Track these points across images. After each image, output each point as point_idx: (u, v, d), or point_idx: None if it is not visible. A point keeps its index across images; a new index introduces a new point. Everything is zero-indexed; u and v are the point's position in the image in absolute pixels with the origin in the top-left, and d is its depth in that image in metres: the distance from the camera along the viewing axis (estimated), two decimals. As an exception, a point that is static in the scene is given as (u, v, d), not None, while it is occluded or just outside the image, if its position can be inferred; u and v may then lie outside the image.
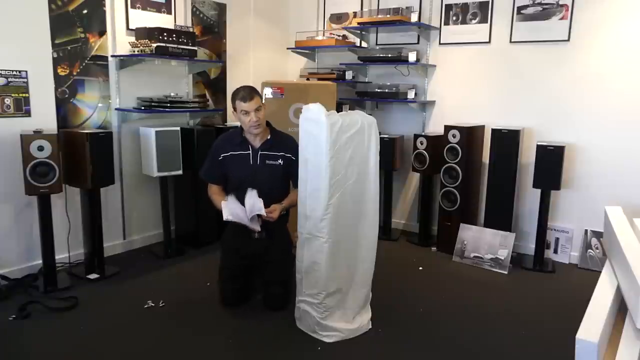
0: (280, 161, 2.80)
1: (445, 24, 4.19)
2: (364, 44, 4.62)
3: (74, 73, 3.37)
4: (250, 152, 2.80)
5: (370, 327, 2.66)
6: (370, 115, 2.60)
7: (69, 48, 3.31)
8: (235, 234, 2.82)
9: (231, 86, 4.49)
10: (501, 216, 3.81)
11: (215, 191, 2.89)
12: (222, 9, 4.36)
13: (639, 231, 2.06)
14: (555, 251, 3.85)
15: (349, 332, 2.55)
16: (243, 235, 2.78)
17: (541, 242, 3.69)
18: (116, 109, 3.63)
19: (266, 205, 2.68)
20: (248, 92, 2.67)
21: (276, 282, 2.85)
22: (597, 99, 3.61)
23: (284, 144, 2.82)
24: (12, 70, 3.05)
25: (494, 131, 3.77)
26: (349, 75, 4.51)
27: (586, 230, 3.72)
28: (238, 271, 2.89)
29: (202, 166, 2.95)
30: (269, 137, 2.83)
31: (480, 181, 4.08)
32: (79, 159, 3.13)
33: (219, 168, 2.85)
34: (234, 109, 2.75)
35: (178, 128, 3.67)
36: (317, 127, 2.37)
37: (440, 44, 4.24)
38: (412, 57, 4.10)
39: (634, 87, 3.46)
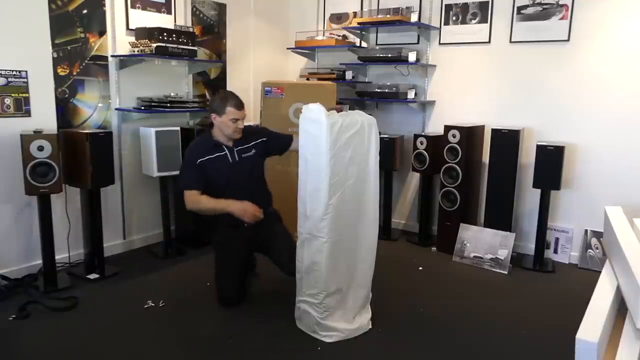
0: (253, 151, 2.92)
1: (445, 24, 4.19)
2: (364, 44, 4.62)
3: (74, 73, 3.37)
4: (227, 152, 2.87)
5: (370, 327, 2.66)
6: (370, 115, 2.60)
7: (69, 48, 3.31)
8: (228, 229, 2.90)
9: (231, 86, 4.50)
10: (501, 216, 3.81)
11: (200, 197, 2.80)
12: (222, 9, 4.36)
13: (639, 231, 2.07)
14: (555, 251, 3.85)
15: (349, 332, 2.55)
16: (235, 227, 2.87)
17: (541, 242, 3.69)
18: (116, 109, 3.63)
19: (252, 199, 2.83)
20: (240, 101, 2.83)
21: (286, 248, 2.81)
22: (597, 99, 3.61)
23: (250, 135, 2.95)
24: (12, 70, 3.05)
25: (494, 131, 3.77)
26: (349, 75, 4.51)
27: (586, 230, 3.72)
28: (235, 269, 2.91)
29: (181, 181, 2.85)
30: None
31: (480, 181, 4.08)
32: (79, 159, 3.13)
33: (199, 174, 2.81)
34: (221, 112, 2.78)
35: (178, 128, 3.67)
36: (317, 127, 2.37)
37: (440, 44, 4.24)
38: (412, 57, 4.10)
39: (634, 87, 3.46)
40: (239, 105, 2.80)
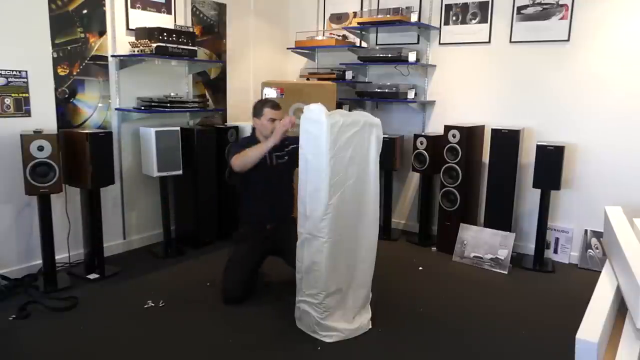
0: (286, 157, 3.06)
1: (445, 24, 4.19)
2: (364, 44, 4.62)
3: (74, 73, 3.37)
4: (266, 154, 2.97)
5: (370, 327, 2.66)
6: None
7: (69, 48, 3.31)
8: (250, 228, 3.10)
9: (231, 86, 4.50)
10: (501, 216, 3.81)
11: (243, 150, 2.90)
12: (222, 9, 4.36)
13: (639, 231, 2.07)
14: (555, 251, 3.85)
15: (349, 332, 2.55)
16: (257, 225, 3.08)
17: (541, 242, 3.69)
18: (116, 109, 3.63)
19: (282, 208, 3.10)
20: (276, 103, 3.06)
21: None
22: (597, 98, 3.61)
23: (287, 142, 3.05)
24: (12, 70, 3.05)
25: (494, 131, 3.77)
26: (349, 75, 4.50)
27: (586, 230, 3.72)
28: (247, 267, 2.99)
29: (232, 154, 2.95)
30: None
31: (480, 181, 4.08)
32: (79, 159, 3.13)
33: None
34: (259, 115, 3.01)
35: (178, 128, 3.67)
36: (317, 127, 2.37)
37: (440, 44, 4.24)
38: (412, 57, 4.10)
39: (634, 87, 3.46)
40: (275, 106, 3.02)
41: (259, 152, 2.85)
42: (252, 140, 3.08)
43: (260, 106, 3.05)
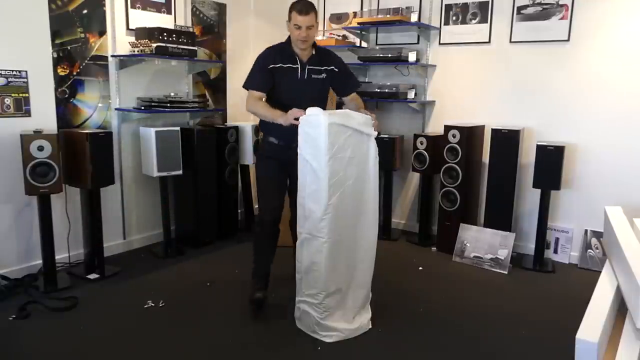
0: (323, 75, 2.81)
1: (445, 24, 4.18)
2: (364, 44, 4.61)
3: (74, 73, 3.37)
4: (299, 66, 2.75)
5: (370, 327, 2.66)
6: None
7: (69, 48, 3.31)
8: (273, 146, 2.84)
9: (231, 86, 4.50)
10: (501, 216, 3.81)
11: (259, 97, 2.75)
12: (222, 9, 4.36)
13: (639, 231, 2.07)
14: (555, 251, 3.85)
15: (349, 332, 2.56)
16: (281, 146, 2.80)
17: (541, 242, 3.69)
18: (116, 109, 3.63)
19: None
20: (305, 6, 2.62)
21: None
22: (597, 98, 3.61)
23: (327, 58, 2.84)
24: (12, 70, 3.05)
25: (494, 131, 3.77)
26: (349, 75, 4.50)
27: (586, 230, 3.72)
28: (277, 187, 2.84)
29: (248, 80, 2.80)
30: (314, 53, 2.80)
31: (480, 181, 4.08)
32: (79, 159, 3.13)
33: (268, 78, 2.75)
34: (289, 18, 2.68)
35: (178, 128, 3.67)
36: (315, 128, 2.37)
37: (440, 44, 4.24)
38: (412, 57, 4.10)
39: (634, 87, 3.46)
40: (302, 10, 2.59)
41: (268, 117, 2.65)
42: (285, 51, 2.75)
43: (290, 8, 2.65)
